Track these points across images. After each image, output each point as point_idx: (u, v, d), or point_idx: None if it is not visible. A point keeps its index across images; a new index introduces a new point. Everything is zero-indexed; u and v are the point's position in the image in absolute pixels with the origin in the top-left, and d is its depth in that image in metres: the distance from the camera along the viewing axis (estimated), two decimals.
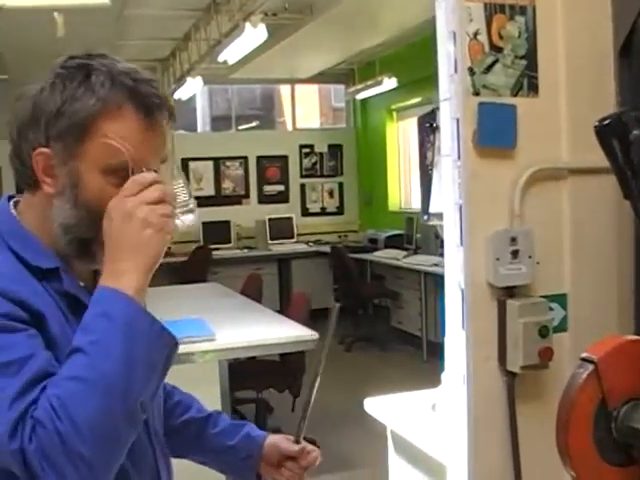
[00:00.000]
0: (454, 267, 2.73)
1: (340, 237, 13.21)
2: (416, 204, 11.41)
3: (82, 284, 1.71)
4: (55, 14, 4.80)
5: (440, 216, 2.89)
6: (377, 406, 3.44)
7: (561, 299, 2.84)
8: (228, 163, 13.36)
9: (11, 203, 1.74)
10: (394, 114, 12.76)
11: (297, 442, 2.11)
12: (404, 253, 10.47)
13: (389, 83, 10.83)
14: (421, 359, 9.51)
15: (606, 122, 1.75)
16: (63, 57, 1.70)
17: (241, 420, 2.26)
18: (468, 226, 2.66)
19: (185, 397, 2.23)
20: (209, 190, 13.21)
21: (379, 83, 11.00)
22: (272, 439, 2.18)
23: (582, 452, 1.78)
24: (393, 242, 11.21)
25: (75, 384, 1.41)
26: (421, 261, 9.71)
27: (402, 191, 12.74)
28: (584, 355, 1.80)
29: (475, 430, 2.56)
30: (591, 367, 1.77)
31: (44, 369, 1.46)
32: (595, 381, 1.76)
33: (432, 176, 3.08)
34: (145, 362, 1.47)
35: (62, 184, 1.62)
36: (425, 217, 3.13)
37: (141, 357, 1.46)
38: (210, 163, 13.26)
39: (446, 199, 2.77)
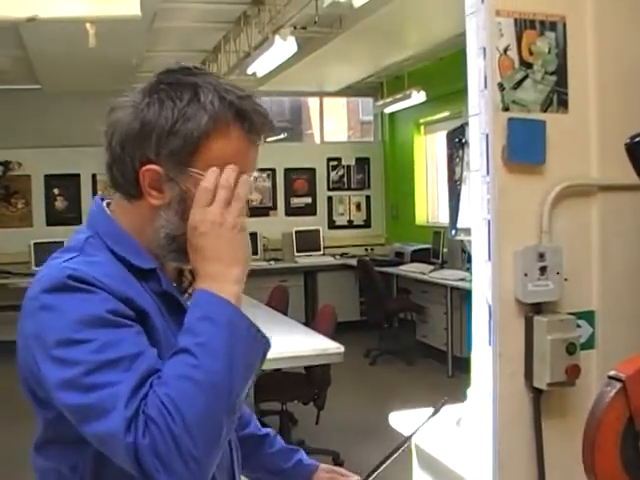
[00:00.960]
0: (482, 282, 2.73)
1: (367, 250, 13.19)
2: (443, 218, 11.39)
3: (174, 284, 1.79)
4: (87, 25, 4.85)
5: (468, 231, 2.89)
6: (401, 420, 3.43)
7: (589, 316, 2.82)
8: (256, 175, 13.38)
9: (104, 204, 1.77)
10: (422, 128, 12.75)
11: None
12: (430, 267, 10.44)
13: (418, 97, 10.82)
14: (446, 374, 9.46)
15: (637, 139, 1.74)
16: (160, 70, 1.73)
17: (294, 446, 2.31)
18: (496, 242, 2.66)
19: (244, 412, 2.22)
20: None
21: (407, 97, 11.00)
22: (322, 472, 2.24)
23: (609, 471, 1.77)
24: (419, 256, 11.18)
25: (185, 383, 1.46)
26: (447, 275, 9.68)
27: (429, 205, 12.71)
28: (612, 373, 1.79)
29: (500, 446, 2.55)
30: (619, 385, 1.76)
31: (153, 366, 1.51)
32: (623, 400, 1.75)
33: (460, 191, 3.08)
34: (245, 363, 1.53)
35: (169, 198, 1.65)
36: (453, 232, 3.13)
37: (242, 358, 1.52)
38: None
39: (475, 214, 2.76)
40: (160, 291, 1.71)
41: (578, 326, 2.74)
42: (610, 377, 1.79)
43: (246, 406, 2.23)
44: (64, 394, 1.51)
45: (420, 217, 12.74)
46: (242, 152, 1.67)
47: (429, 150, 12.74)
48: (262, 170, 13.20)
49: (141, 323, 1.59)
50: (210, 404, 1.46)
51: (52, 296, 1.55)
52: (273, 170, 13.35)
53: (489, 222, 2.66)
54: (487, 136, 2.68)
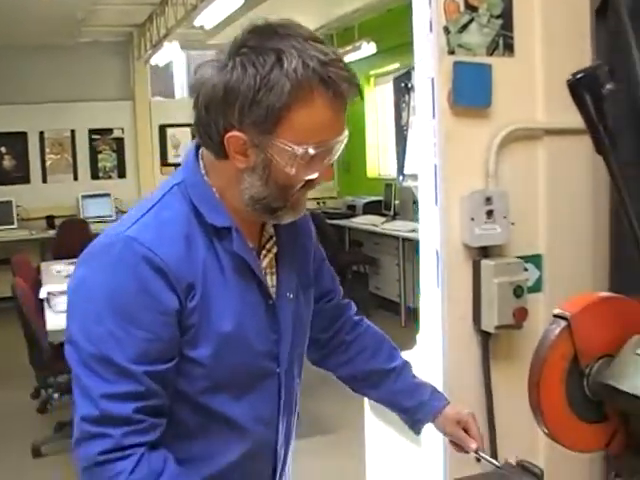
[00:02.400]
0: (429, 228, 2.73)
1: (319, 203, 13.14)
2: (394, 170, 11.38)
3: (250, 245, 1.79)
4: None
5: (415, 177, 2.88)
6: None
7: (536, 259, 2.84)
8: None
9: (199, 153, 1.78)
10: (372, 80, 12.66)
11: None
12: (382, 219, 10.42)
13: (368, 48, 10.72)
14: (399, 324, 9.50)
15: (579, 76, 1.73)
16: (247, 28, 1.68)
17: (423, 382, 2.22)
18: (443, 186, 2.66)
19: (374, 341, 2.22)
20: None
21: (357, 48, 10.89)
22: (446, 414, 2.14)
23: (554, 409, 1.78)
24: (371, 208, 11.15)
25: None
26: (399, 227, 9.68)
27: (380, 157, 12.69)
28: (557, 312, 1.79)
29: (450, 389, 2.56)
30: (564, 324, 1.76)
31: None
32: (568, 338, 1.76)
33: (407, 137, 3.07)
34: None
35: (254, 162, 1.66)
36: (400, 178, 3.12)
37: None
38: (187, 130, 13.14)
39: (421, 159, 2.76)
40: (231, 251, 1.73)
41: (525, 270, 2.76)
42: (555, 316, 1.79)
43: (375, 330, 2.24)
44: (67, 347, 1.65)
45: (372, 170, 12.71)
46: (328, 119, 1.65)
47: (380, 102, 12.69)
48: None
49: (187, 299, 1.66)
50: None
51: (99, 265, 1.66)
52: None
53: (436, 167, 2.65)
54: (433, 80, 2.66)
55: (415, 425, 2.18)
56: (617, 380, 1.72)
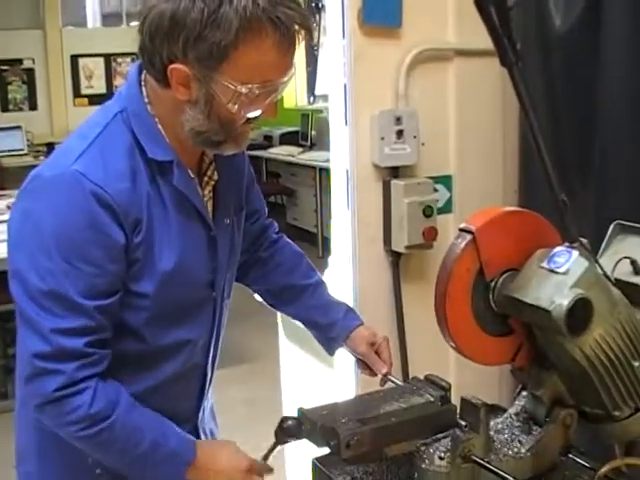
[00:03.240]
0: (339, 148, 2.71)
1: None
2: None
3: (192, 175, 1.79)
4: None
5: (326, 98, 2.85)
6: None
7: (446, 180, 2.85)
8: (119, 60, 12.96)
9: (142, 78, 1.73)
10: None
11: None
12: (299, 150, 10.39)
13: None
14: (316, 254, 9.53)
15: None
16: None
17: (338, 301, 2.25)
18: (353, 106, 2.63)
19: (292, 257, 2.23)
20: (100, 88, 12.81)
21: None
22: (360, 334, 2.15)
23: (461, 323, 1.79)
24: (288, 139, 11.08)
25: (131, 436, 1.73)
26: (316, 157, 9.65)
27: (297, 88, 12.60)
28: (462, 226, 1.79)
29: (361, 310, 2.56)
30: (469, 237, 1.75)
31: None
32: (473, 251, 1.75)
33: (318, 57, 3.03)
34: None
35: (196, 96, 1.64)
36: (311, 99, 3.08)
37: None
38: (101, 60, 12.84)
39: (332, 79, 2.72)
40: (172, 185, 1.72)
41: (435, 190, 2.76)
42: (461, 229, 1.79)
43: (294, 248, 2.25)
44: (12, 282, 1.67)
45: (289, 100, 12.62)
46: (274, 60, 1.61)
47: None
48: (126, 55, 12.80)
49: (133, 234, 1.67)
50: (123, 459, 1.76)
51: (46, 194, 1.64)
52: (137, 55, 12.93)
53: (345, 87, 2.62)
54: None
55: (329, 344, 2.19)
56: (521, 293, 1.73)
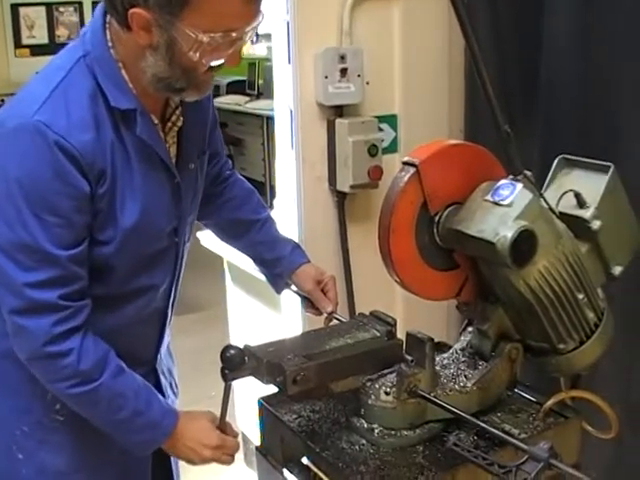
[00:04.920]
0: (283, 87, 2.67)
1: None
2: (258, 50, 11.18)
3: (155, 121, 1.76)
4: None
5: (269, 37, 2.80)
6: (212, 240, 3.40)
7: (391, 120, 2.83)
8: (62, 9, 12.67)
9: (105, 21, 1.69)
10: None
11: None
12: (246, 99, 10.28)
13: None
14: (265, 204, 9.52)
15: None
16: None
17: (286, 238, 2.25)
18: (296, 44, 2.59)
19: (242, 193, 2.23)
20: (42, 38, 12.54)
21: None
22: (307, 272, 2.16)
23: (405, 257, 1.77)
24: (235, 88, 10.96)
25: (113, 401, 1.75)
26: (263, 106, 9.54)
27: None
28: (406, 159, 1.77)
29: (307, 249, 2.54)
30: (412, 170, 1.73)
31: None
32: (417, 184, 1.73)
33: None
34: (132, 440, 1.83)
35: (157, 42, 1.59)
36: (254, 39, 3.03)
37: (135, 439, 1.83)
38: (42, 9, 12.50)
39: (274, 17, 2.66)
40: (135, 135, 1.70)
41: (380, 129, 2.74)
42: (404, 163, 1.77)
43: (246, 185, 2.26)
44: None
45: None
46: (238, 8, 1.54)
47: None
48: (68, 4, 12.54)
49: (98, 185, 1.65)
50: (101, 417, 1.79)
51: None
52: (80, 3, 12.67)
53: (288, 24, 2.57)
54: None
55: (275, 280, 2.20)
56: (465, 225, 1.72)
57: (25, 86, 1.72)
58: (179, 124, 1.84)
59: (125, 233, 1.72)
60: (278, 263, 2.16)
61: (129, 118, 1.68)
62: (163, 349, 2.07)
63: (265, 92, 10.21)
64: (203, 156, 1.96)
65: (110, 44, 1.68)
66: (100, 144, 1.64)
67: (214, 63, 1.63)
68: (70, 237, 1.64)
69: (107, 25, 1.69)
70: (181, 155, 1.85)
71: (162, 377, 2.06)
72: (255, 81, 10.56)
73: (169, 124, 1.83)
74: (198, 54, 1.58)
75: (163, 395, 2.01)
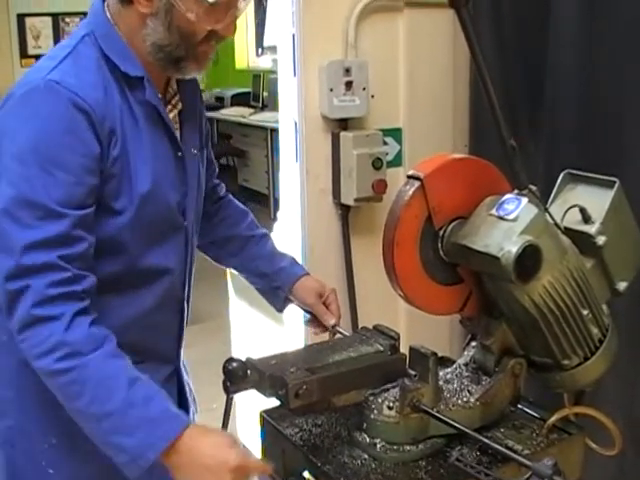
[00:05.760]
0: (288, 100, 2.67)
1: None
2: (263, 62, 11.21)
3: (159, 95, 1.80)
4: None
5: (274, 49, 2.80)
6: None
7: (396, 133, 2.82)
8: (68, 19, 12.71)
9: (105, 4, 1.76)
10: None
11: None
12: (251, 111, 10.30)
13: None
14: (268, 216, 9.49)
15: None
16: None
17: (283, 252, 2.23)
18: (301, 56, 2.59)
19: (237, 212, 2.22)
20: (48, 48, 12.57)
21: None
22: (307, 285, 2.14)
23: (409, 271, 1.77)
24: (240, 100, 10.98)
25: (101, 383, 1.58)
26: (267, 118, 9.57)
27: (249, 49, 12.47)
28: (411, 172, 1.77)
29: (310, 263, 2.56)
30: (417, 184, 1.73)
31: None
32: (421, 198, 1.73)
33: (266, 6, 2.98)
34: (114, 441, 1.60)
35: (156, 7, 1.66)
36: (259, 51, 3.04)
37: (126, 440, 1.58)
38: (48, 19, 12.55)
39: (280, 30, 2.67)
40: (143, 100, 1.73)
41: (385, 143, 2.73)
42: (409, 176, 1.76)
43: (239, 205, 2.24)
44: None
45: (240, 61, 12.50)
46: None
47: None
48: (74, 14, 12.55)
49: (110, 146, 1.66)
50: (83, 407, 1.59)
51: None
52: (85, 14, 12.68)
53: (294, 37, 2.57)
54: None
55: (275, 295, 2.17)
56: (470, 240, 1.71)
57: (32, 65, 1.76)
58: (179, 107, 1.88)
59: (140, 200, 1.72)
60: (277, 276, 2.14)
61: (137, 85, 1.73)
62: (183, 347, 2.03)
63: (269, 104, 10.23)
64: (202, 151, 1.98)
65: (112, 22, 1.73)
66: (109, 105, 1.67)
67: (211, 27, 1.68)
68: (77, 196, 1.62)
69: (106, 8, 1.74)
70: (183, 137, 1.88)
71: (185, 384, 2.03)
72: (260, 93, 10.58)
73: (169, 107, 1.86)
74: (194, 14, 1.64)
75: (186, 403, 1.97)
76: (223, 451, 1.58)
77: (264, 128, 9.62)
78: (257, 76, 10.74)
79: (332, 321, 2.09)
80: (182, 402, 1.99)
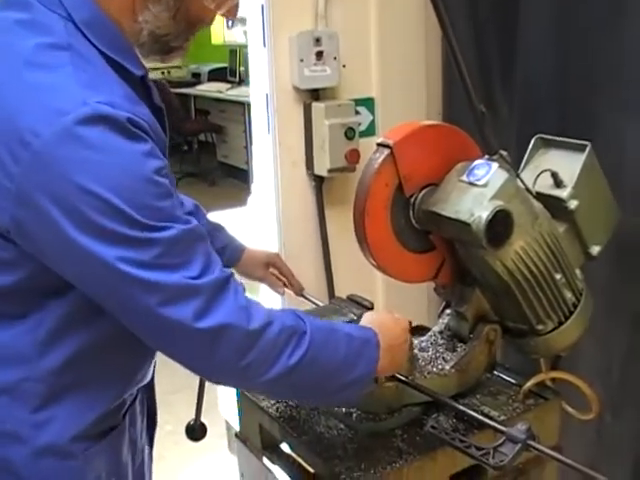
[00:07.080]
0: (259, 71, 2.64)
1: (163, 73, 12.80)
2: (240, 37, 11.13)
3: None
4: None
5: (244, 21, 2.77)
6: None
7: (368, 103, 2.80)
8: None
9: None
10: None
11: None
12: (228, 86, 10.25)
13: None
14: (248, 191, 9.46)
15: None
16: None
17: (219, 226, 2.14)
18: (271, 27, 2.56)
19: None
20: None
21: None
22: (252, 257, 2.11)
23: (381, 240, 1.75)
24: (216, 75, 10.93)
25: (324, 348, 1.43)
26: (244, 92, 9.50)
27: (225, 23, 12.37)
28: (380, 140, 1.75)
29: (285, 233, 2.55)
30: (387, 152, 1.71)
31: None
32: (391, 166, 1.71)
33: None
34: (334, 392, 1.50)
35: None
36: (230, 23, 3.00)
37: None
38: None
39: (249, 1, 2.64)
40: (149, 104, 1.42)
41: (357, 113, 2.71)
42: (379, 144, 1.74)
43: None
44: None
45: (216, 37, 12.42)
46: None
47: None
48: None
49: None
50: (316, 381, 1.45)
51: None
52: None
53: (263, 7, 2.54)
54: None
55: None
56: (441, 206, 1.70)
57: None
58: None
59: None
60: (223, 251, 2.07)
61: (140, 85, 1.44)
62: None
63: (246, 79, 10.16)
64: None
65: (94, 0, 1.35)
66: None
67: (221, 12, 1.44)
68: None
69: None
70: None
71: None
72: (236, 68, 10.53)
73: None
74: (215, 2, 1.40)
75: (155, 416, 1.77)
76: (398, 324, 1.61)
77: (241, 103, 9.57)
78: (233, 51, 10.67)
79: (282, 290, 2.12)
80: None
